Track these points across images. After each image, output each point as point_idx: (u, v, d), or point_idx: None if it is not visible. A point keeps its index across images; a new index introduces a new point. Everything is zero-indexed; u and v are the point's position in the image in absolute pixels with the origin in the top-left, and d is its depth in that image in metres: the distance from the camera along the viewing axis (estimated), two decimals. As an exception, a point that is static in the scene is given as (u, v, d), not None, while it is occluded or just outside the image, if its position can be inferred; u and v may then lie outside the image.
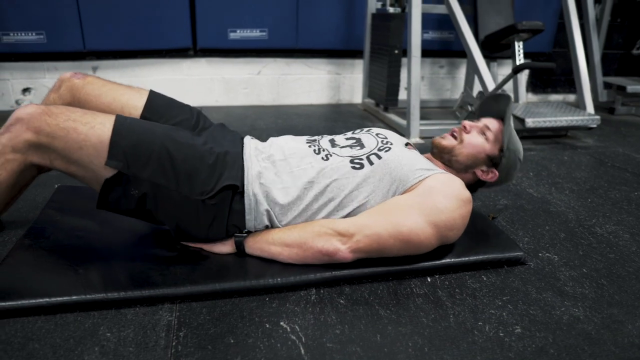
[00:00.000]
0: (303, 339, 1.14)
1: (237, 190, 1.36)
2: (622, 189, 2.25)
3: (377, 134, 1.59)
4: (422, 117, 3.15)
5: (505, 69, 4.20)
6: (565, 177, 2.40)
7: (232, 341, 1.12)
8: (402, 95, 3.60)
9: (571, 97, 4.67)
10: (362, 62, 3.96)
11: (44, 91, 3.55)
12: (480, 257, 1.48)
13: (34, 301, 1.18)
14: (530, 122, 3.01)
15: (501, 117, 1.61)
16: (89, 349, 1.08)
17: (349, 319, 1.22)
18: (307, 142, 1.55)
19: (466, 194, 1.41)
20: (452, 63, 4.29)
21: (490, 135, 1.56)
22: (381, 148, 1.50)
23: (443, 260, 1.44)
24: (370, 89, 3.81)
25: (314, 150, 1.49)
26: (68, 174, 1.32)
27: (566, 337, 1.18)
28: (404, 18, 3.28)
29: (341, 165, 1.43)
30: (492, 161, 1.57)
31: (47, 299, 1.19)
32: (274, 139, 1.59)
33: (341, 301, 1.29)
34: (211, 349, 1.10)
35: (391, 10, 3.39)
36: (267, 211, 1.38)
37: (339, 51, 3.99)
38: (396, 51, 3.34)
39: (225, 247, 1.42)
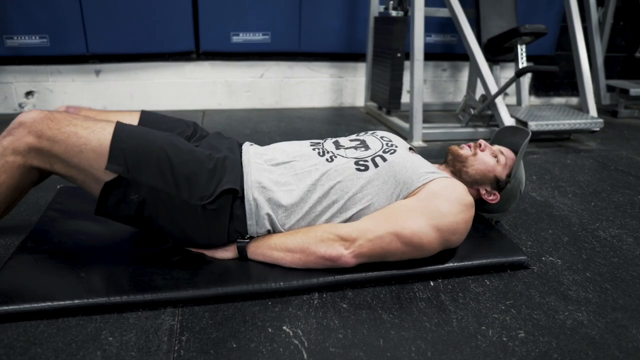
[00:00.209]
0: (306, 344, 1.13)
1: (237, 195, 1.36)
2: (626, 192, 2.24)
3: (381, 137, 1.60)
4: (425, 121, 3.15)
5: (508, 72, 4.20)
6: (568, 180, 2.39)
7: (234, 345, 1.12)
8: (405, 98, 3.59)
9: (574, 100, 4.66)
10: (364, 66, 3.96)
11: (47, 94, 3.56)
12: (483, 261, 1.48)
13: (36, 305, 1.18)
14: (533, 126, 3.01)
15: (514, 150, 1.69)
16: (91, 353, 1.08)
17: (352, 323, 1.22)
18: (311, 145, 1.55)
19: (469, 198, 1.42)
20: (455, 66, 4.29)
21: (502, 159, 1.62)
22: (386, 150, 1.50)
23: (446, 265, 1.44)
24: (372, 92, 3.81)
25: (318, 153, 1.49)
26: (68, 178, 1.32)
27: (570, 342, 1.18)
28: (406, 21, 3.27)
29: (346, 167, 1.43)
30: (497, 184, 1.62)
31: (49, 303, 1.19)
32: (276, 143, 1.60)
33: (344, 305, 1.29)
34: (213, 353, 1.09)
35: (394, 13, 3.39)
36: (268, 215, 1.38)
37: (341, 54, 3.99)
38: (399, 54, 3.33)
39: (228, 253, 1.41)
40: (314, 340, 1.15)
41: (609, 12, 4.28)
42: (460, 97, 4.26)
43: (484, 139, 1.69)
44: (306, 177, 1.41)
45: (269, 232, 1.42)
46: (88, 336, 1.13)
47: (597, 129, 3.14)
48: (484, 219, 1.74)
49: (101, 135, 1.25)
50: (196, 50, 3.72)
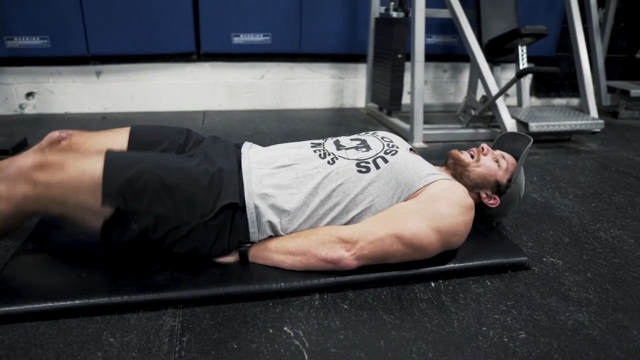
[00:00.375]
0: (307, 344, 1.13)
1: (237, 207, 1.34)
2: (626, 193, 2.24)
3: (382, 137, 1.59)
4: (426, 122, 3.15)
5: (509, 73, 4.20)
6: (569, 181, 2.39)
7: (235, 346, 1.12)
8: (406, 99, 3.60)
9: (575, 101, 4.66)
10: (365, 67, 3.96)
11: (48, 95, 3.57)
12: (484, 262, 1.48)
13: (37, 306, 1.18)
14: (534, 127, 3.01)
15: (515, 155, 1.70)
16: (92, 354, 1.08)
17: (353, 324, 1.21)
18: (312, 147, 1.54)
19: (469, 200, 1.43)
20: (456, 67, 4.29)
21: (503, 164, 1.63)
22: (387, 151, 1.50)
23: (447, 265, 1.44)
24: (373, 93, 3.81)
25: (320, 155, 1.48)
26: (65, 217, 1.29)
27: (571, 343, 1.18)
28: (407, 22, 3.28)
29: (347, 168, 1.43)
30: (498, 188, 1.63)
31: (50, 304, 1.19)
32: (277, 145, 1.59)
33: (345, 306, 1.28)
34: (214, 354, 1.09)
35: (394, 14, 3.39)
36: (270, 222, 1.37)
37: (342, 55, 4.00)
38: (399, 55, 3.33)
39: (230, 258, 1.40)
40: (315, 341, 1.15)
41: (610, 13, 4.28)
42: (461, 98, 4.26)
43: (485, 140, 1.69)
44: (308, 181, 1.41)
45: (270, 237, 1.41)
46: (89, 337, 1.13)
47: (598, 130, 3.14)
48: (485, 220, 1.74)
49: (93, 173, 1.22)
50: (197, 52, 3.72)
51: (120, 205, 1.23)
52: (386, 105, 3.55)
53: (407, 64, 3.29)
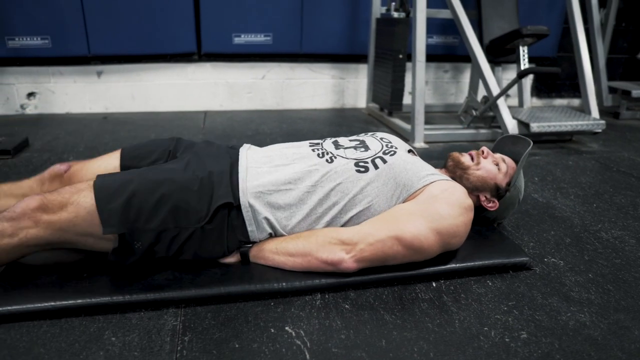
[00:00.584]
0: (308, 344, 1.14)
1: (232, 206, 1.35)
2: (628, 194, 2.24)
3: (381, 138, 1.60)
4: (427, 122, 3.15)
5: (510, 74, 4.20)
6: (570, 182, 2.39)
7: (237, 346, 1.12)
8: (407, 99, 3.60)
9: (576, 102, 4.66)
10: (366, 67, 3.96)
11: (49, 95, 3.57)
12: (486, 262, 1.48)
13: (39, 305, 1.19)
14: (535, 127, 3.01)
15: (515, 158, 1.70)
16: (94, 354, 1.08)
17: (354, 324, 1.22)
18: (310, 146, 1.55)
19: (468, 201, 1.43)
20: (457, 68, 4.29)
21: (503, 167, 1.63)
22: (386, 152, 1.50)
23: (448, 266, 1.44)
24: (374, 94, 3.82)
25: (318, 154, 1.48)
26: (70, 245, 1.32)
27: (572, 343, 1.18)
28: (408, 23, 3.28)
29: (346, 168, 1.43)
30: (497, 191, 1.63)
31: (52, 303, 1.19)
32: (275, 145, 1.60)
33: (346, 306, 1.29)
34: (216, 353, 1.10)
35: (395, 15, 3.39)
36: (267, 219, 1.37)
37: (343, 56, 4.00)
38: (400, 56, 3.34)
39: (231, 258, 1.41)
40: (316, 340, 1.15)
41: (611, 14, 4.29)
42: (462, 98, 4.26)
43: (486, 141, 1.69)
44: (306, 178, 1.41)
45: (270, 236, 1.42)
46: (91, 336, 1.13)
47: (599, 130, 3.14)
48: (486, 220, 1.74)
49: (87, 204, 1.25)
50: (198, 52, 3.73)
51: (120, 230, 1.25)
52: (387, 105, 3.55)
53: (408, 65, 3.29)
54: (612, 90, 4.13)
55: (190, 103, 3.85)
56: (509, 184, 1.63)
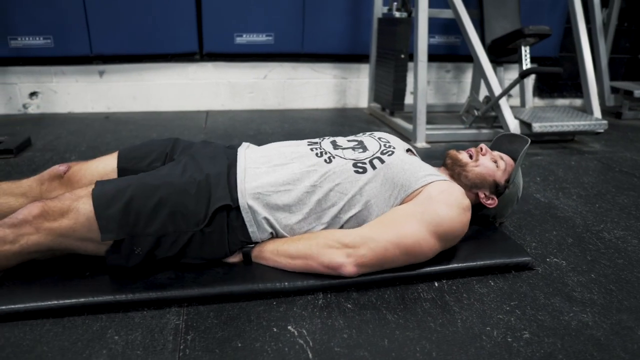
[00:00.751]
0: (311, 343, 1.14)
1: (231, 208, 1.35)
2: (630, 194, 2.23)
3: (379, 138, 1.60)
4: (429, 122, 3.15)
5: (512, 74, 4.20)
6: (572, 182, 2.39)
7: (239, 345, 1.12)
8: (408, 99, 3.60)
9: (578, 102, 4.66)
10: (368, 67, 3.96)
11: (51, 95, 3.58)
12: (488, 262, 1.48)
13: (42, 304, 1.19)
14: (537, 127, 3.00)
15: (512, 156, 1.70)
16: (97, 352, 1.08)
17: (357, 323, 1.22)
18: (309, 145, 1.55)
19: (466, 201, 1.44)
20: (459, 67, 4.29)
21: (501, 164, 1.63)
22: (384, 152, 1.50)
23: (450, 265, 1.44)
24: (376, 94, 3.81)
25: (316, 154, 1.49)
26: (69, 251, 1.33)
27: (575, 343, 1.17)
28: (410, 23, 3.28)
29: (344, 168, 1.44)
30: (496, 188, 1.63)
31: (55, 302, 1.20)
32: (273, 143, 1.60)
33: (348, 305, 1.29)
34: (219, 352, 1.10)
35: (397, 14, 3.39)
36: (266, 219, 1.37)
37: (345, 56, 4.00)
38: (402, 56, 3.33)
39: (233, 258, 1.41)
40: (318, 340, 1.15)
41: (614, 14, 4.28)
42: (463, 98, 4.26)
43: (488, 141, 1.69)
44: (305, 178, 1.41)
45: (272, 235, 1.42)
46: (94, 335, 1.13)
47: (601, 130, 3.14)
48: (486, 218, 1.74)
49: (86, 211, 1.25)
50: (199, 51, 3.73)
51: (119, 235, 1.26)
52: (389, 105, 3.55)
53: (410, 64, 3.30)
54: (614, 90, 4.13)
55: (191, 103, 3.85)
56: (507, 181, 1.63)
